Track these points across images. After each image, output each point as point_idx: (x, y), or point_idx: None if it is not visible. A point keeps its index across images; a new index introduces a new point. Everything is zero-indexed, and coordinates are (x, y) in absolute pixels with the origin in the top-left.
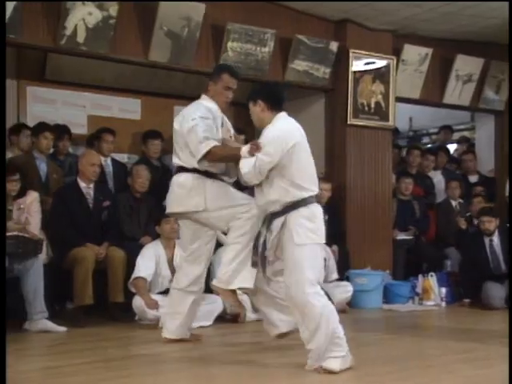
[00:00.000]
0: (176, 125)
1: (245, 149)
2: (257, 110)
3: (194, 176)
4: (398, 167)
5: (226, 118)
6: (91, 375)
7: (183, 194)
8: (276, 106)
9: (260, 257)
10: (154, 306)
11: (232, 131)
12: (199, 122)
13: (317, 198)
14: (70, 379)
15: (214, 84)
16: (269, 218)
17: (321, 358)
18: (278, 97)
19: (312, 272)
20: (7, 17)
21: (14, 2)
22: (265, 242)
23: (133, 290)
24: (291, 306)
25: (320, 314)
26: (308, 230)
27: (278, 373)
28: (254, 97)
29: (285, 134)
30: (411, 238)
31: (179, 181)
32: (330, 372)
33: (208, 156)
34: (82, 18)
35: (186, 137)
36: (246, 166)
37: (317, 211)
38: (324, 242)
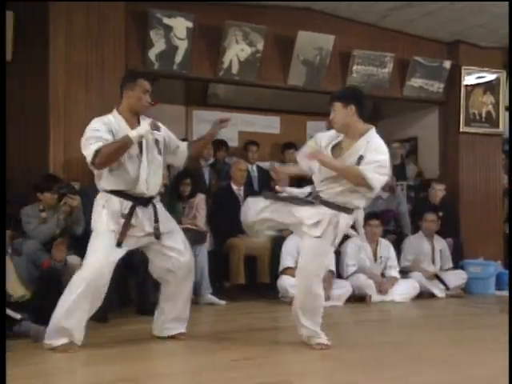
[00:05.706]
0: None
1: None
2: (346, 112)
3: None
4: None
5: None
6: (247, 339)
7: None
8: (363, 115)
9: None
10: None
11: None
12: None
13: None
14: (230, 342)
15: (132, 91)
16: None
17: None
18: (365, 107)
19: None
20: (180, 57)
21: (186, 46)
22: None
23: (284, 277)
24: None
25: None
26: None
27: None
28: (347, 99)
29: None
30: None
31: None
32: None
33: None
34: (235, 54)
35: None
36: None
37: None
38: None
